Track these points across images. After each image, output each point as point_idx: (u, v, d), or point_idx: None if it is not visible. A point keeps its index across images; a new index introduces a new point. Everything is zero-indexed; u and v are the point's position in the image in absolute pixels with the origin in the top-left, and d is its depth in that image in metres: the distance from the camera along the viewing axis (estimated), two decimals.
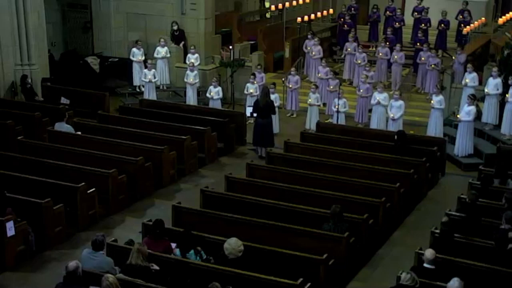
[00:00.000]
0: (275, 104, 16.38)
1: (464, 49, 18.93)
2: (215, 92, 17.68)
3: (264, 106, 15.41)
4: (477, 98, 15.73)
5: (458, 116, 15.30)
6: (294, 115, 18.61)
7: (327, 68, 18.79)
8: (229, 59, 19.13)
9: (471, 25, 21.25)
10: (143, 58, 19.41)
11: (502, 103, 15.77)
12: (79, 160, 13.05)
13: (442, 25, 21.76)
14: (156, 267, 8.90)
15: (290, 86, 18.26)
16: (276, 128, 16.74)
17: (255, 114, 15.65)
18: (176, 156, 14.12)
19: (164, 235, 9.70)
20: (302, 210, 11.02)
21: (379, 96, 16.49)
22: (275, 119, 16.52)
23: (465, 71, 16.79)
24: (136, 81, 19.51)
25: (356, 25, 22.84)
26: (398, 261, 10.71)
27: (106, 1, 20.94)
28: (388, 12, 22.79)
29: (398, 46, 19.66)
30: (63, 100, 17.54)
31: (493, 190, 11.75)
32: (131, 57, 19.45)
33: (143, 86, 19.21)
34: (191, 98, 18.52)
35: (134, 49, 19.48)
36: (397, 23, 22.16)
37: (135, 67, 19.43)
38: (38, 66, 17.90)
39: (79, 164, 12.71)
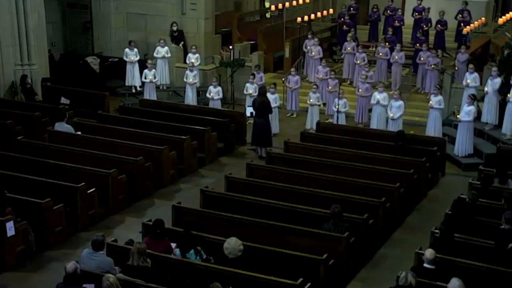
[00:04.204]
0: (275, 104, 16.38)
1: (468, 49, 18.89)
2: (215, 92, 17.68)
3: (259, 106, 15.40)
4: (477, 99, 15.73)
5: (458, 116, 15.30)
6: (294, 115, 18.61)
7: (327, 68, 18.79)
8: (229, 59, 19.13)
9: (471, 25, 21.27)
10: (137, 58, 19.38)
11: (503, 103, 15.77)
12: (79, 160, 13.05)
13: (439, 25, 21.77)
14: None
15: (290, 86, 18.26)
16: (276, 128, 16.75)
17: (254, 114, 15.65)
18: (176, 156, 14.12)
19: (164, 235, 9.70)
20: (302, 210, 11.02)
21: (379, 96, 16.49)
22: (274, 119, 16.53)
23: (467, 71, 16.77)
24: (129, 81, 19.49)
25: (356, 25, 22.84)
26: (398, 261, 10.72)
27: (106, 1, 20.94)
28: (388, 11, 22.81)
29: (398, 46, 19.68)
30: (63, 100, 17.54)
31: (493, 190, 11.75)
32: (124, 58, 19.44)
33: (138, 87, 19.25)
34: (191, 98, 18.52)
35: (126, 49, 19.45)
36: (396, 22, 22.19)
37: (128, 67, 19.41)
38: (38, 66, 17.90)
39: (79, 164, 12.71)
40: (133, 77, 19.39)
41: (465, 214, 10.38)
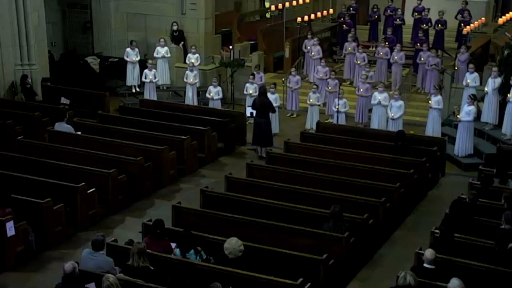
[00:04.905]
0: (275, 104, 16.36)
1: (469, 49, 18.88)
2: (215, 92, 17.67)
3: (260, 105, 15.40)
4: (477, 99, 15.73)
5: (458, 116, 15.30)
6: (294, 115, 18.60)
7: (327, 68, 18.78)
8: (229, 59, 19.13)
9: (471, 25, 21.28)
10: (138, 58, 19.38)
11: (503, 103, 15.77)
12: (79, 160, 13.05)
13: (439, 25, 21.78)
14: None
15: (291, 86, 18.25)
16: (276, 128, 16.74)
17: (255, 114, 15.65)
18: (176, 156, 14.11)
19: (164, 235, 9.70)
20: (302, 210, 11.01)
21: (380, 96, 16.49)
22: (274, 119, 16.52)
23: (467, 71, 16.78)
24: (129, 81, 19.50)
25: (355, 25, 22.85)
26: (398, 261, 10.71)
27: (106, 1, 20.94)
28: (388, 11, 22.82)
29: (398, 46, 19.68)
30: (63, 100, 17.53)
31: (493, 190, 11.75)
32: (125, 57, 19.45)
33: (138, 86, 19.27)
34: (191, 98, 18.52)
35: (128, 49, 19.45)
36: (398, 20, 22.23)
37: (129, 67, 19.42)
38: (38, 66, 17.87)
39: (79, 164, 12.71)
40: (133, 77, 19.40)
41: (464, 214, 10.39)
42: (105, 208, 12.36)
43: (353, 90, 18.44)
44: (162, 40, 19.58)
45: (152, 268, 8.73)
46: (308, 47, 20.52)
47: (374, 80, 18.64)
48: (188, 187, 13.96)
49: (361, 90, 17.28)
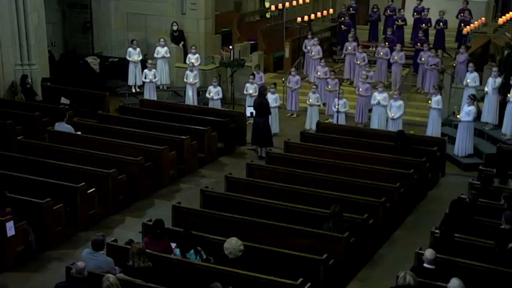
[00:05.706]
0: (275, 104, 16.38)
1: (468, 49, 18.88)
2: (215, 92, 17.68)
3: (258, 106, 15.39)
4: (477, 99, 15.73)
5: (458, 116, 15.30)
6: (294, 115, 18.60)
7: (326, 68, 18.79)
8: (229, 59, 19.13)
9: (471, 25, 21.28)
10: (140, 58, 19.39)
11: (503, 103, 15.77)
12: (79, 160, 13.05)
13: (441, 24, 21.78)
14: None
15: (291, 86, 18.25)
16: (276, 128, 16.74)
17: (254, 114, 15.65)
18: (176, 156, 14.11)
19: (164, 235, 9.70)
20: (302, 210, 11.02)
21: (379, 96, 16.50)
22: (274, 119, 16.53)
23: (467, 70, 16.78)
24: (131, 81, 19.51)
25: (355, 25, 22.84)
26: (398, 261, 10.72)
27: (106, 1, 20.95)
28: (388, 11, 22.81)
29: (398, 46, 19.69)
30: (63, 100, 17.54)
31: (493, 190, 11.75)
32: (127, 57, 19.46)
33: (138, 86, 19.28)
34: (191, 98, 18.53)
35: (129, 49, 19.47)
36: (400, 20, 22.24)
37: (131, 67, 19.42)
38: (38, 66, 17.87)
39: (79, 164, 12.71)
40: (135, 77, 19.41)
41: (463, 214, 10.40)
42: (105, 208, 12.36)
43: (353, 90, 18.45)
44: (162, 40, 19.58)
45: (153, 268, 8.74)
46: (308, 47, 20.53)
47: (374, 80, 18.64)
48: (188, 187, 13.96)
49: (361, 90, 17.28)
